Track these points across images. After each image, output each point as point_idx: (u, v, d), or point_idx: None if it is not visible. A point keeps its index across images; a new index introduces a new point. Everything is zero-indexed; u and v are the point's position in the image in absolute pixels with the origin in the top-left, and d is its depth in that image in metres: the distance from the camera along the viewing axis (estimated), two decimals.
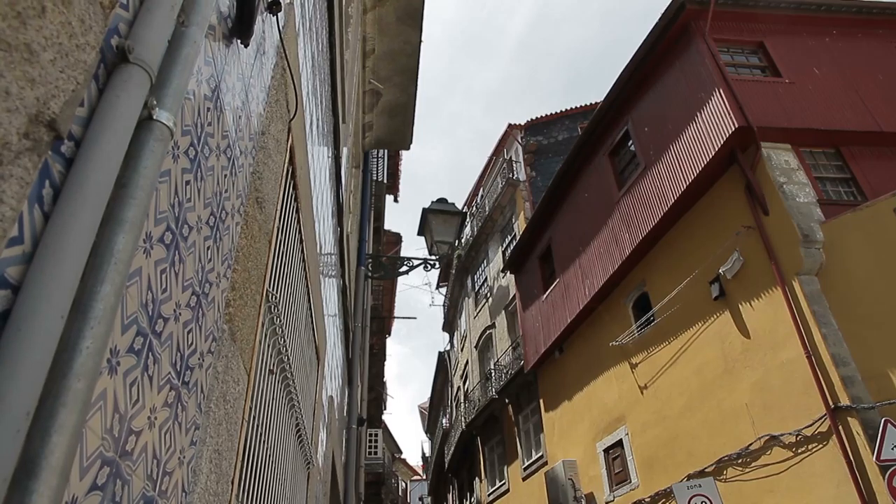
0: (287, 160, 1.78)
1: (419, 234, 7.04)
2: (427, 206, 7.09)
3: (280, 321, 1.76)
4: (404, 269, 6.80)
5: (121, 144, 0.67)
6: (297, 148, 1.97)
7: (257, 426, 1.57)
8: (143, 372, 0.83)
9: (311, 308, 2.57)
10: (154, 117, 0.75)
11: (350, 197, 6.99)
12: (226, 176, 1.16)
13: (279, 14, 1.54)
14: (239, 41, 1.18)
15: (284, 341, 1.84)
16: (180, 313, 0.94)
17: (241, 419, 1.31)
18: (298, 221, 2.09)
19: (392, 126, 7.47)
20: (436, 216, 6.92)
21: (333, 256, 3.82)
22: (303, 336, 2.43)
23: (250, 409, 1.44)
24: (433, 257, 6.83)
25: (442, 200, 7.16)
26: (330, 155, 3.36)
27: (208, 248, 1.06)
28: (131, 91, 0.70)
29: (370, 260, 7.35)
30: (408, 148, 7.85)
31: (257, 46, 1.39)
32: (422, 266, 6.89)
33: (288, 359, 1.89)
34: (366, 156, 7.61)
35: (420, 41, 6.43)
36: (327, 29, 2.95)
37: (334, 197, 3.73)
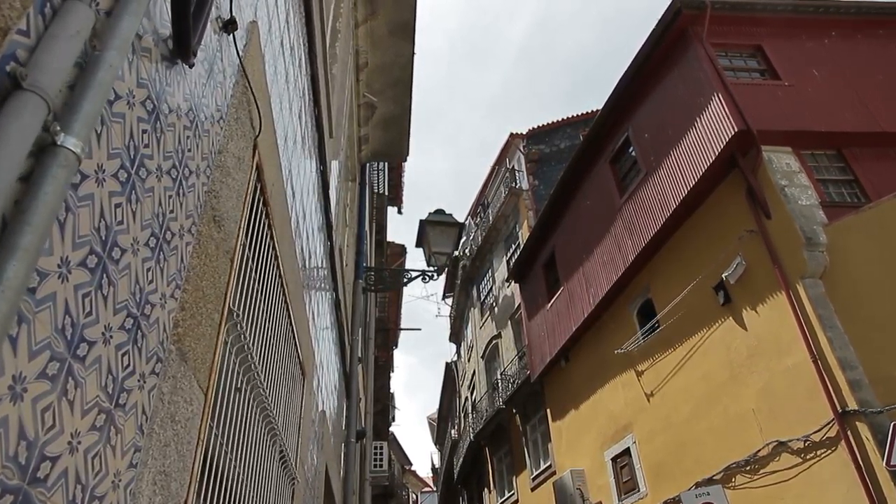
0: (253, 178, 1.79)
1: (417, 245, 7.03)
2: (424, 217, 7.09)
3: (248, 339, 1.75)
4: (403, 281, 6.79)
5: (10, 172, 0.67)
6: (266, 165, 1.98)
7: (222, 444, 1.56)
8: (60, 397, 0.82)
9: (292, 324, 2.57)
10: (59, 143, 0.75)
11: (346, 210, 7.01)
12: (171, 197, 1.16)
13: (235, 33, 1.55)
14: (186, 64, 1.19)
15: (255, 358, 1.84)
16: (111, 336, 0.94)
17: (195, 439, 1.31)
18: (272, 238, 2.09)
19: (387, 138, 7.50)
20: (433, 227, 6.92)
21: (323, 271, 3.83)
22: (282, 352, 2.43)
23: (210, 428, 1.43)
24: (431, 269, 6.83)
25: (440, 211, 7.16)
26: (315, 170, 3.37)
27: (149, 269, 1.06)
28: (25, 118, 0.69)
29: (371, 273, 7.35)
30: (404, 160, 7.89)
31: (210, 66, 1.40)
32: (420, 277, 6.89)
33: (259, 376, 1.89)
34: (363, 168, 7.64)
35: (412, 53, 6.45)
36: (306, 45, 2.96)
37: (322, 211, 3.74)
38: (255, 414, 1.93)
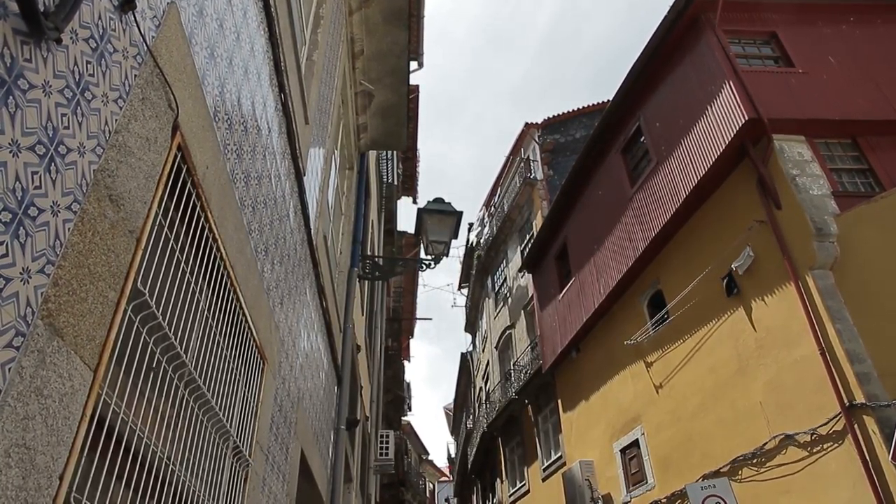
0: (171, 159, 1.79)
1: (415, 233, 7.05)
2: (423, 205, 7.09)
3: (168, 320, 1.76)
4: (398, 268, 6.81)
5: None
6: (195, 148, 1.98)
7: (129, 421, 1.58)
8: None
9: (243, 309, 2.57)
10: None
11: (343, 199, 7.04)
12: (35, 173, 1.17)
13: (136, 13, 1.55)
14: (51, 41, 1.19)
15: (178, 339, 1.85)
16: None
17: (78, 415, 1.32)
18: (207, 220, 2.09)
19: (385, 127, 7.48)
20: (431, 216, 6.92)
21: (297, 257, 3.83)
22: (228, 336, 2.44)
23: (102, 404, 1.44)
24: (428, 257, 6.83)
25: (438, 200, 7.15)
26: (283, 154, 3.37)
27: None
28: None
29: (367, 260, 7.38)
30: (403, 149, 7.88)
31: (98, 44, 1.40)
32: (417, 266, 6.90)
33: (186, 355, 1.90)
34: (362, 157, 7.64)
35: (407, 41, 6.42)
36: (266, 31, 2.96)
37: (296, 198, 3.75)
38: (182, 394, 1.95)
